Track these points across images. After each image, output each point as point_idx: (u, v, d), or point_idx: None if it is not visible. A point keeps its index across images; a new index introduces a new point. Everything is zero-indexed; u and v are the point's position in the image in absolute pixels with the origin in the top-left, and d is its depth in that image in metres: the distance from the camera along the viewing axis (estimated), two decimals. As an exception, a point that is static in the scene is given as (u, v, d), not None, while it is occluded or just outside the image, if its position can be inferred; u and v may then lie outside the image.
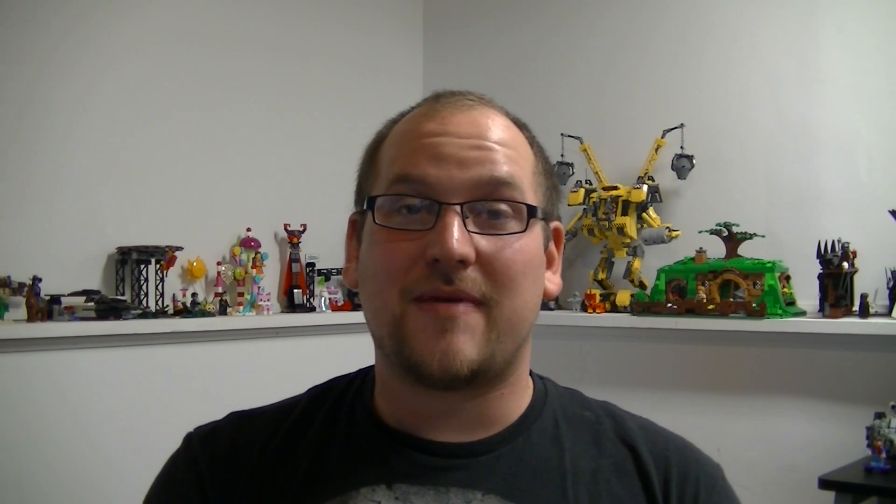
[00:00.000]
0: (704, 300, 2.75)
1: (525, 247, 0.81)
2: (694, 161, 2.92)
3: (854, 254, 2.61)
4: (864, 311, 2.54)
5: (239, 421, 0.89)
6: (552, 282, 0.87)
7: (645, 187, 2.95)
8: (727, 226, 2.79)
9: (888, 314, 2.54)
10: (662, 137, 2.97)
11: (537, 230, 0.83)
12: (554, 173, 0.91)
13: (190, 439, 0.89)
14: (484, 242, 0.79)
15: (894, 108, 2.68)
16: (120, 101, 2.61)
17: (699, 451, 0.90)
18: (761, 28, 2.90)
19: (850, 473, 2.29)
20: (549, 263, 0.87)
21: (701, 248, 2.83)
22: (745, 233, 2.79)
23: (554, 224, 0.88)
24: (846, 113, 2.75)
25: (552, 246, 0.88)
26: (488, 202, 0.79)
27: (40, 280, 2.31)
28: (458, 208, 0.78)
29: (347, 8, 3.32)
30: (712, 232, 2.80)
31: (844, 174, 2.74)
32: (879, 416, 2.37)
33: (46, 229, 2.44)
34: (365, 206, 0.83)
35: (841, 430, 2.60)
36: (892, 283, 2.55)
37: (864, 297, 2.56)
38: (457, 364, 0.77)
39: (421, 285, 0.77)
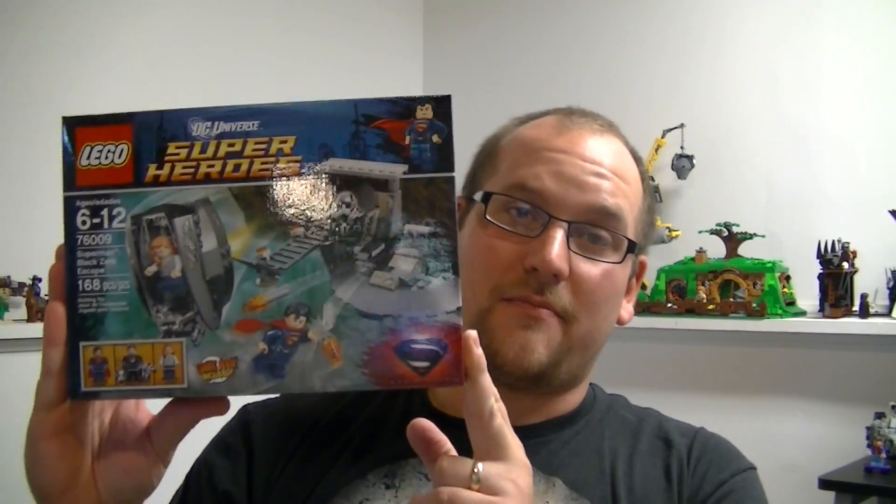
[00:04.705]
0: (704, 300, 2.75)
1: (615, 276, 0.86)
2: (694, 161, 2.92)
3: (854, 254, 2.61)
4: (864, 311, 2.54)
5: (294, 394, 0.93)
6: (625, 310, 0.92)
7: (645, 187, 2.95)
8: (727, 226, 2.79)
9: (888, 314, 2.54)
10: (662, 137, 2.97)
11: (628, 263, 0.88)
12: (655, 209, 0.96)
13: (245, 407, 0.94)
14: (580, 263, 0.83)
15: (894, 108, 2.68)
16: (121, 100, 2.60)
17: (730, 446, 0.94)
18: (761, 28, 2.90)
19: (850, 473, 2.30)
20: (627, 291, 0.92)
21: (701, 248, 2.83)
22: (745, 233, 2.79)
23: (641, 258, 0.93)
24: (846, 113, 2.75)
25: (633, 278, 0.93)
26: (594, 228, 0.84)
27: (40, 280, 2.31)
28: (565, 225, 0.82)
29: (347, 8, 3.32)
30: (712, 232, 2.80)
31: (844, 174, 2.74)
32: (879, 416, 2.37)
33: (46, 229, 2.44)
34: (479, 199, 0.87)
35: (841, 430, 2.60)
36: (892, 283, 2.55)
37: (864, 297, 2.55)
38: (529, 360, 0.82)
39: (513, 289, 0.83)
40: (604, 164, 0.86)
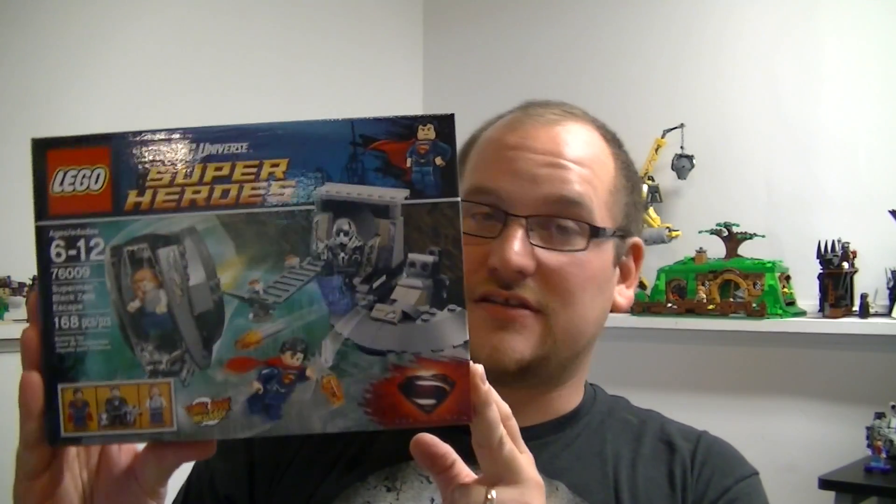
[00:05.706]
0: (704, 300, 2.75)
1: (587, 263, 0.84)
2: (694, 161, 2.92)
3: (854, 254, 2.61)
4: (864, 311, 2.54)
5: None
6: (623, 295, 0.91)
7: (645, 187, 2.94)
8: (727, 226, 2.79)
9: (888, 314, 2.54)
10: (662, 137, 2.97)
11: (606, 248, 0.86)
12: (639, 189, 0.94)
13: None
14: (546, 255, 0.83)
15: (894, 108, 2.68)
16: (121, 102, 2.61)
17: (733, 451, 0.93)
18: (761, 28, 2.90)
19: (850, 473, 2.30)
20: (625, 277, 0.91)
21: (701, 248, 2.83)
22: (745, 233, 2.79)
23: (633, 240, 0.91)
24: (846, 113, 2.75)
25: (630, 261, 0.91)
26: (554, 219, 0.83)
27: (40, 280, 2.31)
28: (523, 221, 0.82)
29: (347, 8, 3.32)
30: (712, 232, 2.80)
31: (844, 174, 2.74)
32: (879, 416, 2.37)
33: (46, 229, 2.44)
34: None
35: (841, 430, 2.60)
36: (892, 283, 2.55)
37: (864, 297, 2.55)
38: (505, 360, 0.81)
39: (480, 288, 0.82)
40: (557, 152, 0.85)
